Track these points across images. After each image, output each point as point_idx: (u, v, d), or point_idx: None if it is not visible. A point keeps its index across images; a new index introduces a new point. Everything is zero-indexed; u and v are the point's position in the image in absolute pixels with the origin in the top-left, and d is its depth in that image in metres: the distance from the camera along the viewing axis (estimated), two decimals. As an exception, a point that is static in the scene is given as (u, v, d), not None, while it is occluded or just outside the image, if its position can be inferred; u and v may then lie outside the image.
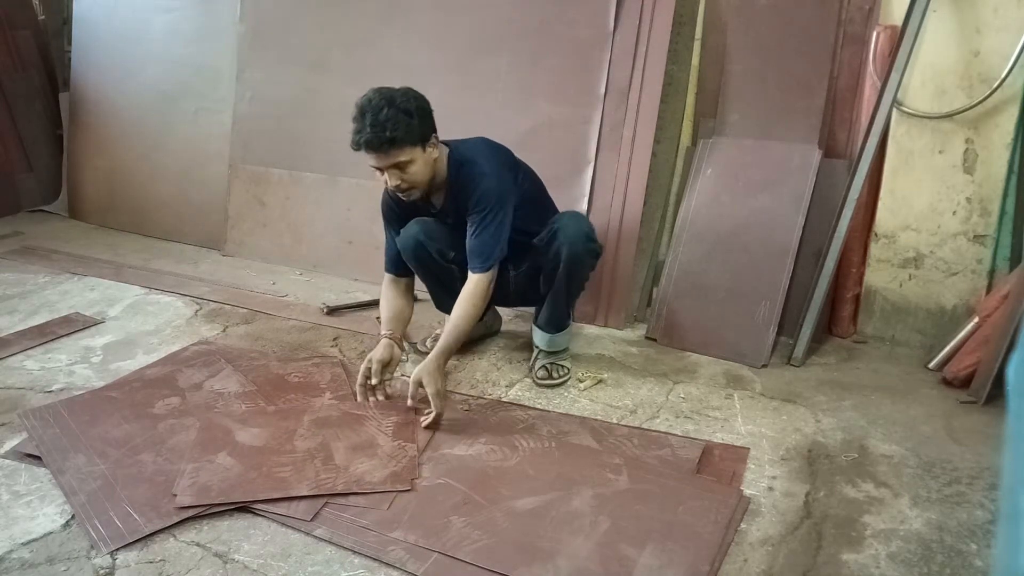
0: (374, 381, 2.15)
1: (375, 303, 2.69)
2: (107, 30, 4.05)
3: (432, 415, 2.02)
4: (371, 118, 2.01)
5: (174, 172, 3.85)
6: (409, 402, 2.06)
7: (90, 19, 4.11)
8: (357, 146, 2.04)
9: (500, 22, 3.01)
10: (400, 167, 2.07)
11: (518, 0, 2.98)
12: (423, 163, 2.11)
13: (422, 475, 1.81)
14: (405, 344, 2.53)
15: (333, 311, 2.85)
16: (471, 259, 2.18)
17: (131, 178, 3.99)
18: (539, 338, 2.37)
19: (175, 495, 1.70)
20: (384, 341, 2.24)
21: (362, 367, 2.17)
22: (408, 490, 1.75)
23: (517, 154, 2.87)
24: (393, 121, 2.00)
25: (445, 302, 2.48)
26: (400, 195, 2.17)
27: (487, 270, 2.16)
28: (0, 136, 4.16)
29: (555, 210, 2.45)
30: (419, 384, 2.04)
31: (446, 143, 2.24)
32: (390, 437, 1.97)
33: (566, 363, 2.36)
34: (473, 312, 2.16)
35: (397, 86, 2.12)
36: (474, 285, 2.15)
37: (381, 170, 2.09)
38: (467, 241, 2.20)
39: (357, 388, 2.18)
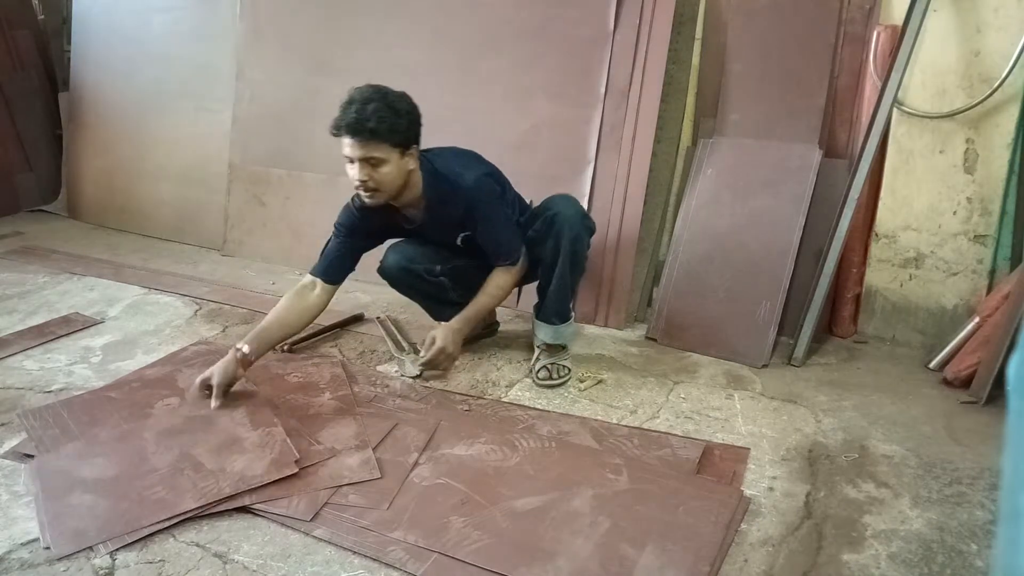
0: (213, 404, 2.00)
1: (335, 326, 2.61)
2: (106, 29, 4.05)
3: (424, 358, 2.22)
4: (359, 106, 1.99)
5: (174, 172, 3.85)
6: (422, 353, 2.25)
7: (89, 19, 4.11)
8: (337, 129, 2.01)
9: (500, 22, 3.01)
10: (373, 163, 2.02)
11: (518, 0, 2.97)
12: (396, 168, 2.06)
13: (422, 475, 1.81)
14: (404, 344, 2.54)
15: (292, 348, 2.48)
16: (496, 258, 2.28)
17: (130, 178, 3.99)
18: (544, 332, 2.36)
19: (47, 548, 1.55)
20: (228, 359, 2.04)
21: (197, 382, 2.03)
22: (295, 473, 1.76)
23: (518, 154, 2.88)
24: (380, 114, 1.98)
25: (444, 312, 2.48)
26: (364, 195, 2.10)
27: (515, 263, 2.30)
28: (-1, 136, 4.17)
29: (523, 201, 2.47)
30: (434, 338, 2.19)
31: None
32: (250, 427, 1.93)
33: (567, 363, 2.36)
34: (502, 295, 2.34)
35: (397, 89, 2.10)
36: (503, 272, 2.30)
37: (351, 160, 2.04)
38: (483, 244, 2.27)
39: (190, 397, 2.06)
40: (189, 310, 2.89)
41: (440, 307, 2.49)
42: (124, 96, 4.00)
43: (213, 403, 2.01)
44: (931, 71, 2.49)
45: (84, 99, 4.14)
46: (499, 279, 2.31)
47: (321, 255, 2.29)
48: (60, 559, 1.52)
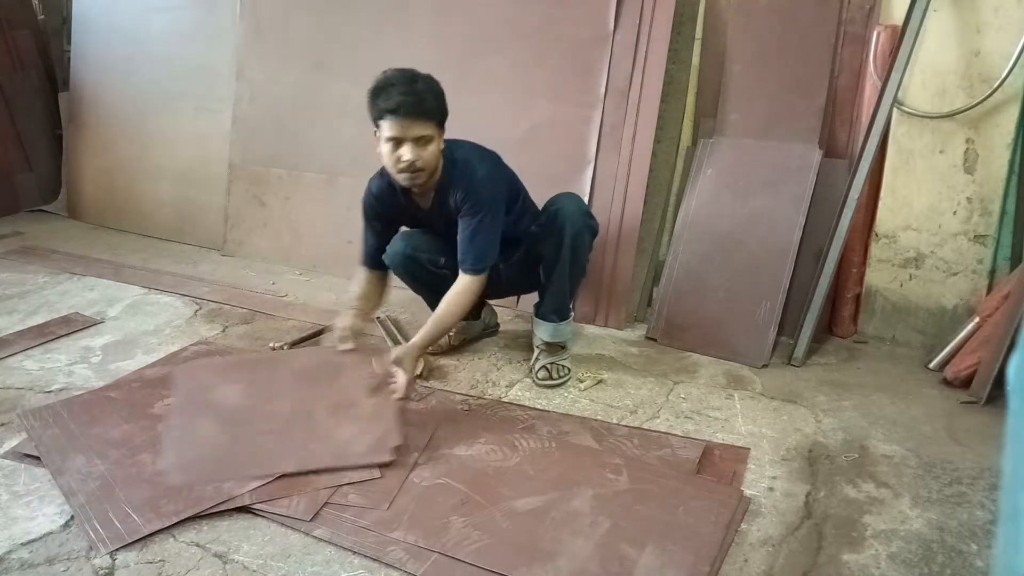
0: (342, 347, 2.10)
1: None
2: (106, 29, 4.05)
3: (396, 396, 2.01)
4: (406, 87, 2.01)
5: (173, 172, 3.85)
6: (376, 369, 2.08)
7: (89, 18, 4.11)
8: (390, 111, 2.00)
9: (500, 22, 3.01)
10: (420, 142, 2.05)
11: (518, 0, 2.97)
12: (436, 147, 2.10)
13: (422, 475, 1.81)
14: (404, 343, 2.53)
15: (292, 348, 2.55)
16: (465, 259, 2.17)
17: (130, 178, 3.99)
18: (543, 330, 2.36)
19: (161, 472, 1.76)
20: (350, 312, 2.19)
21: (335, 336, 2.14)
22: (391, 461, 1.81)
23: (517, 154, 2.87)
24: (428, 93, 2.03)
25: None
26: (407, 178, 2.10)
27: (480, 273, 2.17)
28: (-1, 136, 4.17)
29: (536, 209, 2.46)
30: (397, 364, 2.00)
31: None
32: (368, 392, 1.99)
33: (567, 363, 2.35)
34: (460, 311, 2.18)
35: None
36: (465, 285, 2.16)
37: (399, 143, 2.03)
38: (460, 238, 2.19)
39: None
40: (189, 310, 2.89)
41: (439, 301, 2.49)
42: (124, 96, 4.00)
43: (342, 346, 2.10)
44: (931, 71, 2.49)
45: (84, 99, 4.14)
46: (458, 291, 2.16)
47: (362, 245, 2.39)
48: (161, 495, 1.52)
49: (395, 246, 2.40)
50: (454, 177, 2.19)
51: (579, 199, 2.34)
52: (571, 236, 2.23)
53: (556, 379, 2.31)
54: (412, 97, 1.99)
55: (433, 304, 2.54)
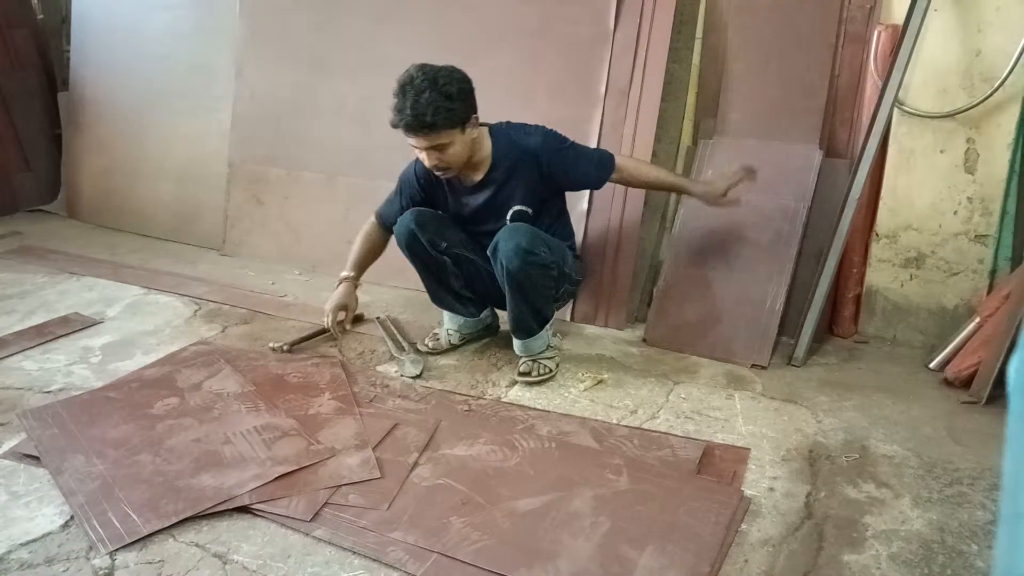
0: (348, 328, 2.45)
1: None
2: (106, 29, 4.04)
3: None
4: (412, 100, 2.02)
5: (172, 171, 3.84)
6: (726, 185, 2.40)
7: (89, 18, 4.10)
8: (395, 126, 2.07)
9: (500, 21, 3.00)
10: (439, 148, 2.10)
11: (518, -1, 2.97)
12: (461, 145, 2.13)
13: (422, 475, 1.80)
14: (404, 344, 2.53)
15: (292, 348, 2.52)
16: (603, 171, 2.33)
17: (129, 177, 3.98)
18: (514, 344, 2.38)
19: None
20: (343, 286, 2.44)
21: (325, 321, 2.43)
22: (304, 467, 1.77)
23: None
24: (434, 106, 2.02)
25: (440, 296, 2.49)
26: (437, 173, 2.22)
27: (615, 158, 2.34)
28: (-2, 135, 4.16)
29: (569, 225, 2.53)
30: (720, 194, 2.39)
31: (485, 124, 2.28)
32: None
33: (550, 364, 2.34)
34: (655, 172, 2.48)
35: (439, 64, 2.15)
36: (624, 158, 2.40)
37: (420, 148, 2.13)
38: (582, 180, 2.38)
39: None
40: (188, 310, 2.89)
41: (438, 288, 2.47)
42: (123, 96, 3.99)
43: (347, 327, 2.45)
44: (932, 70, 2.48)
45: (83, 99, 4.13)
46: (639, 162, 2.50)
47: (387, 202, 2.48)
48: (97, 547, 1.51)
49: (402, 220, 2.38)
50: (512, 142, 2.27)
51: (518, 234, 2.15)
52: (508, 274, 2.18)
53: (535, 377, 2.29)
54: (415, 116, 2.02)
55: (430, 288, 2.53)
